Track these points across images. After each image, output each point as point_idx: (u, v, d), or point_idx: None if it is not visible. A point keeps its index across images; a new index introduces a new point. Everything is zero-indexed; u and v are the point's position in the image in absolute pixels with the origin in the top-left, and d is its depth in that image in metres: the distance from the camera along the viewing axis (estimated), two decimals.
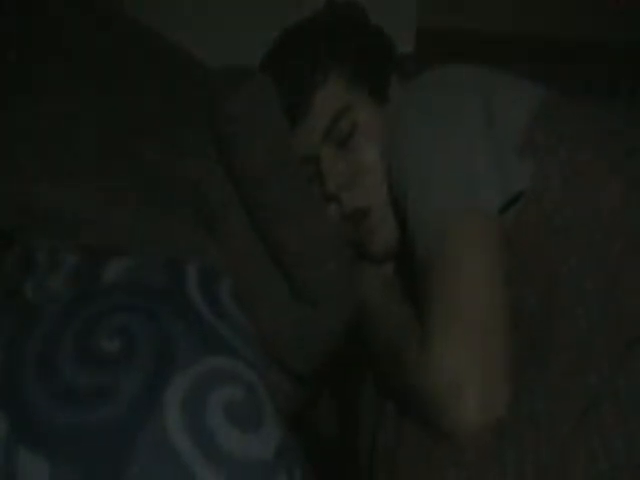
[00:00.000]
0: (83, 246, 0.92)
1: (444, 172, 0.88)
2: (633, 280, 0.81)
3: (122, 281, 0.89)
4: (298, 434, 0.91)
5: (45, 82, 1.03)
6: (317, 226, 1.02)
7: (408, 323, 0.88)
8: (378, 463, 0.91)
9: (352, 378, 1.13)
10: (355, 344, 1.06)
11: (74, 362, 0.80)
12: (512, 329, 0.81)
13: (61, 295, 0.87)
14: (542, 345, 0.82)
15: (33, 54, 1.04)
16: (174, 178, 1.00)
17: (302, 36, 1.11)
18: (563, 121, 0.95)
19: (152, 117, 1.03)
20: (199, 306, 0.89)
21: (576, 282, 0.83)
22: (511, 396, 0.77)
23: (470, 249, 0.83)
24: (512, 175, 0.89)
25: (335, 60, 1.08)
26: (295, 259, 1.01)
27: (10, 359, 0.81)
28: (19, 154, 0.97)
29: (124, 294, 0.87)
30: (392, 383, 0.91)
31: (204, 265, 0.94)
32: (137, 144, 1.00)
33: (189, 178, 1.00)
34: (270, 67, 1.11)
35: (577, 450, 0.72)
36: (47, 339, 0.81)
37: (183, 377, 0.80)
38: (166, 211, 0.98)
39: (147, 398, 0.78)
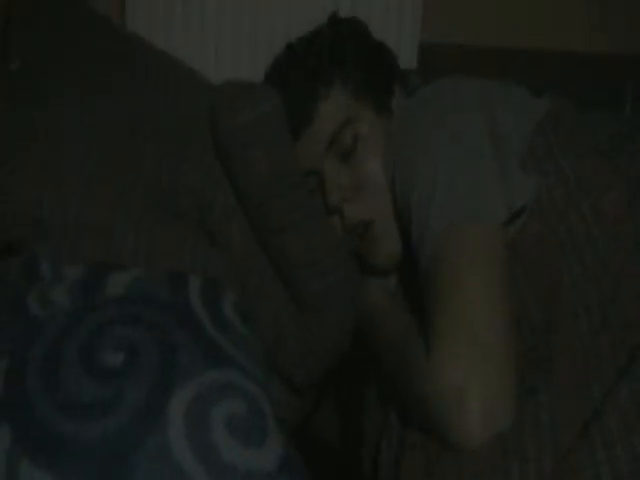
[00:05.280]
0: (86, 258, 0.92)
1: (449, 185, 0.88)
2: (636, 289, 0.81)
3: (125, 294, 0.89)
4: (301, 444, 0.90)
5: (45, 90, 1.03)
6: (320, 238, 1.02)
7: (413, 333, 0.87)
8: (381, 473, 0.90)
9: (356, 388, 1.13)
10: (359, 353, 1.05)
11: (78, 374, 0.80)
12: (515, 339, 0.81)
13: (64, 307, 0.87)
14: (545, 354, 0.82)
15: (35, 62, 1.05)
16: (176, 185, 1.00)
17: (306, 49, 1.12)
18: (565, 132, 0.95)
19: (153, 125, 1.03)
20: (202, 319, 0.89)
21: (579, 291, 0.83)
22: (514, 406, 0.77)
23: (473, 261, 0.83)
24: (516, 189, 0.89)
25: (338, 72, 1.09)
26: (298, 270, 1.01)
27: (14, 371, 0.81)
28: (21, 163, 0.97)
29: (127, 306, 0.87)
30: (396, 392, 0.91)
31: (206, 278, 0.95)
32: (138, 149, 1.00)
33: (192, 186, 1.00)
34: (274, 79, 1.12)
35: (581, 462, 0.72)
36: (50, 351, 0.82)
37: (186, 390, 0.80)
38: (168, 220, 0.98)
39: (150, 411, 0.78)
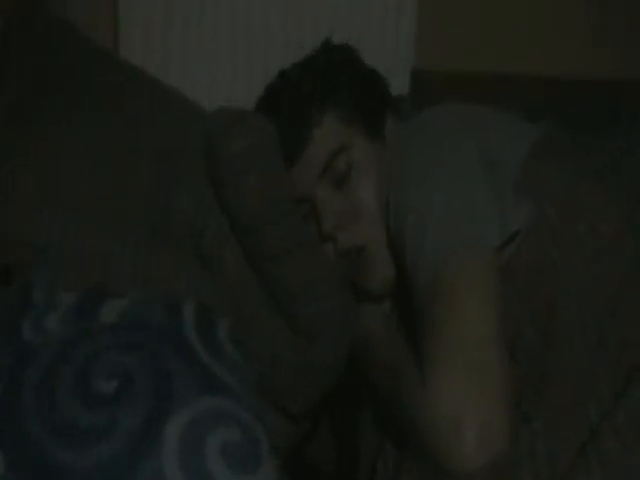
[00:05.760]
0: (81, 284, 0.93)
1: (444, 211, 0.88)
2: (633, 309, 0.81)
3: (120, 320, 0.89)
4: (297, 468, 0.90)
5: (45, 116, 1.04)
6: (314, 264, 1.02)
7: (408, 358, 0.87)
8: None
9: (351, 412, 1.12)
10: (354, 378, 1.05)
11: (72, 401, 0.80)
12: (510, 362, 0.81)
13: (59, 334, 0.87)
14: (541, 377, 0.82)
15: (34, 87, 1.06)
16: (171, 211, 1.00)
17: (299, 75, 1.12)
18: (561, 156, 0.96)
19: (149, 151, 1.04)
20: (196, 346, 0.89)
21: (575, 312, 0.83)
22: (510, 430, 0.77)
23: (469, 287, 0.83)
24: (510, 214, 0.89)
25: (331, 99, 1.09)
26: (292, 296, 1.01)
27: (8, 398, 0.81)
28: (18, 188, 0.98)
29: (122, 333, 0.87)
30: (391, 417, 0.91)
31: (201, 304, 0.95)
32: (134, 175, 1.01)
33: (186, 212, 1.01)
34: (266, 107, 1.13)
35: None
36: (45, 378, 0.82)
37: (180, 417, 0.80)
38: (163, 247, 0.98)
39: (145, 438, 0.78)
